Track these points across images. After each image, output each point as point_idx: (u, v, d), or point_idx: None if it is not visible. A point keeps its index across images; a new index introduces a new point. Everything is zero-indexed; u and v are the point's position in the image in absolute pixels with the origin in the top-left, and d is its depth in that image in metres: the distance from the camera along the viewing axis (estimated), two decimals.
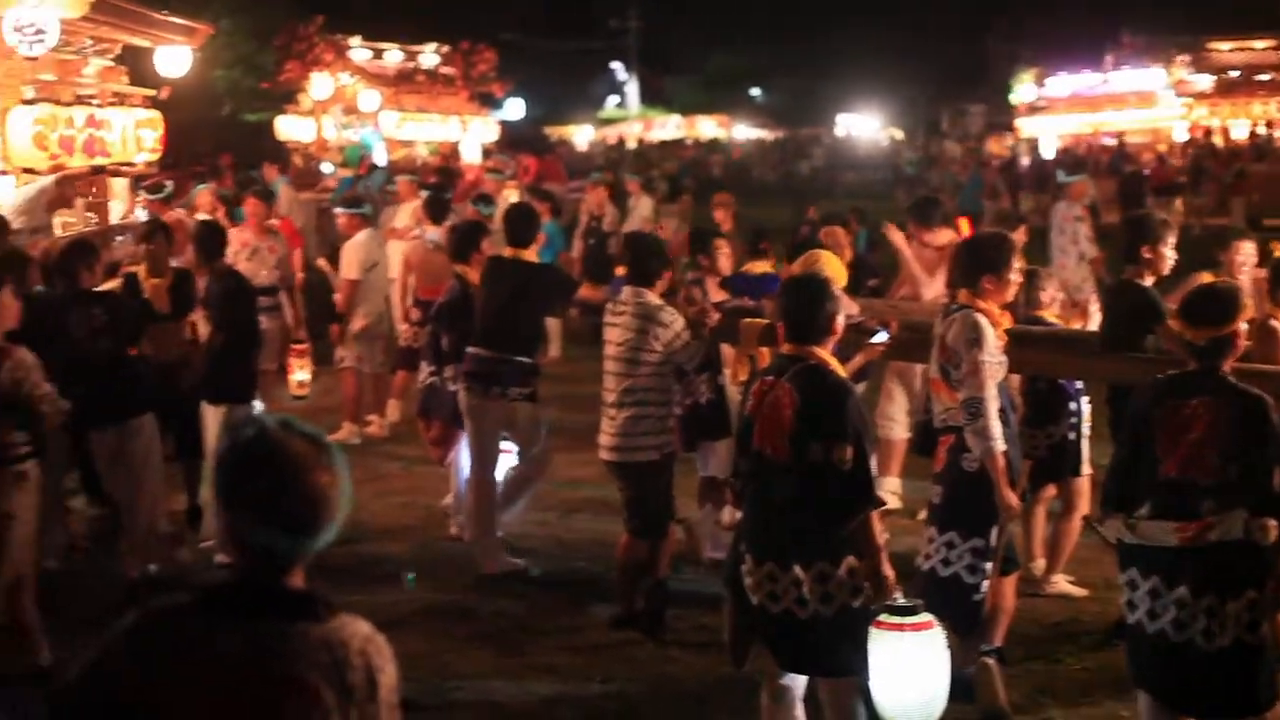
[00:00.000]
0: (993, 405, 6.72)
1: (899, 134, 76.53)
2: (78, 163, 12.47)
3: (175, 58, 14.90)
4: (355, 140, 34.48)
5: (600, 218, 18.71)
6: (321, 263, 14.62)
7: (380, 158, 32.43)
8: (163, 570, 9.38)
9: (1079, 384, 8.61)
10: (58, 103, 12.42)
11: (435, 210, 13.49)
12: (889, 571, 5.91)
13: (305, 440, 3.10)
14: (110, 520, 10.09)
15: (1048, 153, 41.71)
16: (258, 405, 10.14)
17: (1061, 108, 50.24)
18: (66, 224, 12.17)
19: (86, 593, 9.20)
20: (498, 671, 7.86)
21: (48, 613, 8.83)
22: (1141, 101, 46.33)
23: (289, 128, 34.10)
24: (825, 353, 6.07)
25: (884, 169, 56.40)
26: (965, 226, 11.95)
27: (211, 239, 10.19)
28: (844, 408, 5.84)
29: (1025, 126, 51.67)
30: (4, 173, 12.06)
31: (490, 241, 10.14)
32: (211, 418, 9.78)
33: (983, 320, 6.82)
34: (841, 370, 6.18)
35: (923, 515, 9.23)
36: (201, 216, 13.61)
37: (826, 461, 5.79)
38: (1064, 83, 51.03)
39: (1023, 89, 53.78)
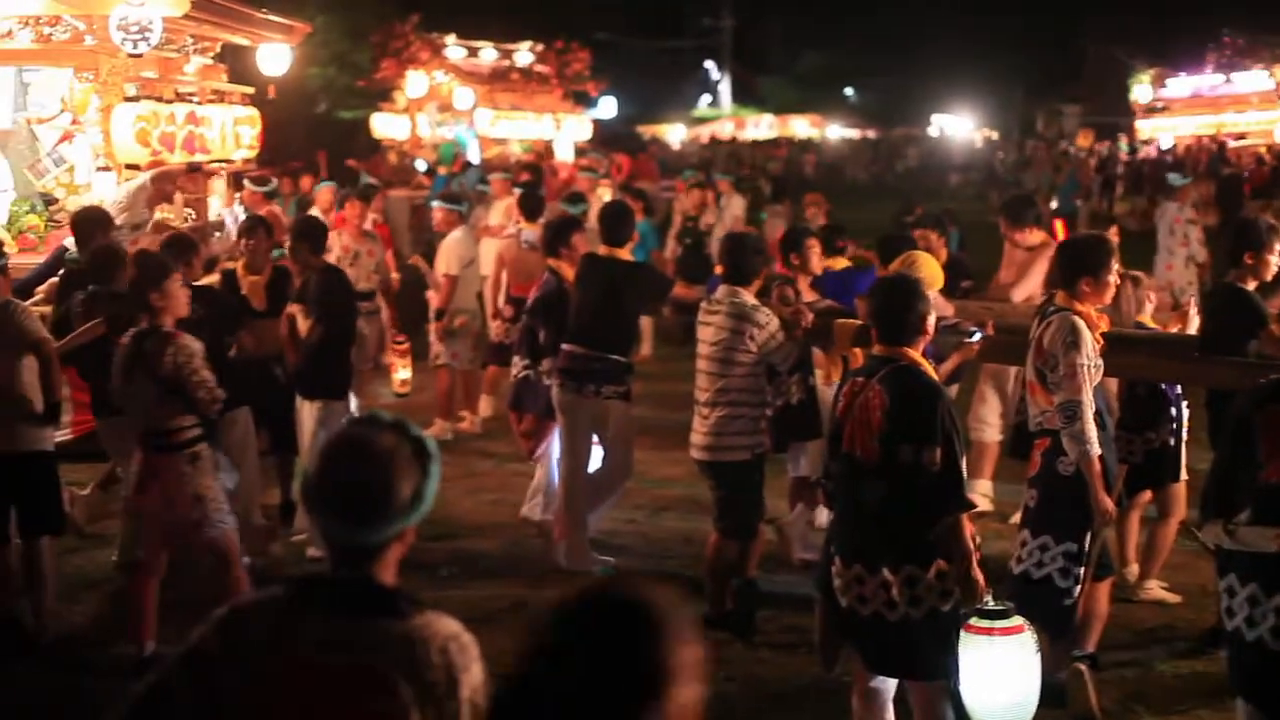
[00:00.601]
0: (1089, 409, 6.66)
1: (993, 134, 75.95)
2: (178, 159, 12.62)
3: (275, 55, 15.04)
4: (449, 138, 34.65)
5: (696, 217, 18.69)
6: (416, 260, 14.69)
7: (474, 155, 32.57)
8: (256, 563, 9.46)
9: (1178, 388, 8.51)
10: (159, 100, 12.59)
11: (530, 207, 13.52)
12: (979, 575, 5.88)
13: (392, 435, 3.15)
14: None
15: (1152, 154, 41.17)
16: (353, 401, 10.21)
17: (1181, 109, 49.39)
18: (165, 220, 12.33)
19: (181, 584, 9.30)
20: None
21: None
22: (1264, 103, 45.49)
23: (384, 125, 34.33)
24: (916, 354, 6.03)
25: (978, 170, 55.99)
26: (1060, 228, 11.85)
27: (316, 234, 10.25)
28: (934, 409, 5.80)
29: (1144, 128, 50.85)
30: (106, 168, 12.24)
31: (584, 239, 10.14)
32: (306, 413, 9.85)
33: (1080, 323, 6.76)
34: (933, 372, 6.14)
35: (1015, 519, 9.17)
36: (314, 212, 13.70)
37: (916, 463, 5.76)
38: (1184, 84, 50.15)
39: (1139, 89, 52.97)
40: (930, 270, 7.89)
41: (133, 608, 7.84)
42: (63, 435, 9.23)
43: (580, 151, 35.27)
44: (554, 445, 9.90)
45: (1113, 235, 9.06)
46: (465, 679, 3.10)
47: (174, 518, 7.70)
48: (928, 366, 6.07)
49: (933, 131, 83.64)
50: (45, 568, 8.19)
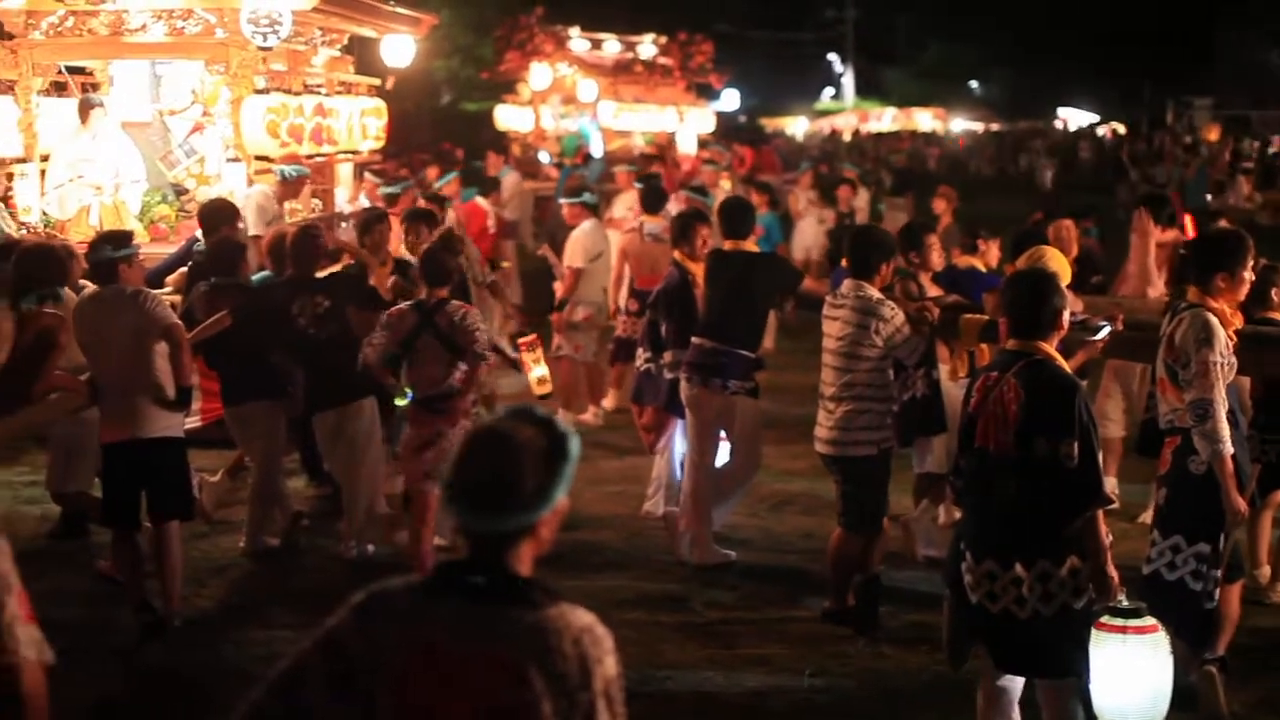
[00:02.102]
0: (1221, 407, 6.55)
1: (1120, 127, 74.98)
2: (306, 150, 12.75)
3: (400, 47, 15.15)
4: (572, 130, 34.75)
5: (851, 214, 18.50)
6: (544, 251, 14.73)
7: (597, 148, 32.66)
8: (379, 551, 9.55)
9: None
10: (288, 92, 12.73)
11: (652, 200, 13.51)
12: (1114, 572, 5.79)
13: (534, 429, 3.19)
14: (330, 500, 10.34)
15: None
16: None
17: None
18: (293, 211, 12.47)
19: (306, 571, 9.41)
20: (709, 662, 7.85)
21: (268, 589, 9.11)
22: None
23: (508, 117, 34.50)
24: (1050, 348, 5.95)
25: (1107, 164, 55.18)
26: (1189, 224, 11.66)
27: (425, 223, 10.31)
28: (1071, 403, 5.72)
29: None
30: (236, 159, 12.40)
31: (710, 232, 10.12)
32: None
33: (1214, 319, 6.65)
34: (1067, 366, 6.06)
35: (1143, 518, 9.06)
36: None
37: (1052, 458, 5.68)
38: None
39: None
40: (1060, 265, 7.80)
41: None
42: (192, 422, 9.35)
43: (703, 144, 35.25)
44: (675, 439, 9.89)
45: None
46: (599, 671, 3.12)
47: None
48: (1062, 361, 5.99)
49: (1058, 124, 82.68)
50: (174, 552, 8.30)
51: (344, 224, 12.51)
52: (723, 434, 9.54)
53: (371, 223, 10.82)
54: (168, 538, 8.28)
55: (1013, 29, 78.68)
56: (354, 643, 3.19)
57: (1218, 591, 6.74)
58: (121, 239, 8.54)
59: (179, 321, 8.44)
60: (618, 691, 3.17)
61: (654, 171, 19.14)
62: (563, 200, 14.21)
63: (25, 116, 12.63)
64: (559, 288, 13.35)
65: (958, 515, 7.56)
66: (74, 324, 8.26)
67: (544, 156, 30.37)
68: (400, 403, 9.14)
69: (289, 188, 12.10)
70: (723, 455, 9.63)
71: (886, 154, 48.17)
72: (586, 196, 13.87)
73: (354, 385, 9.34)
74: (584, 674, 3.10)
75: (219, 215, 10.19)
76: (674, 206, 14.42)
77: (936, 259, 9.53)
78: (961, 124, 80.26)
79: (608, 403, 13.63)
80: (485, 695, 3.09)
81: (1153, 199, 11.04)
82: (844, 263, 8.67)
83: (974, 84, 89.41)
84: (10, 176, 12.49)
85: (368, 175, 14.97)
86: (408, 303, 8.89)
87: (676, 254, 9.92)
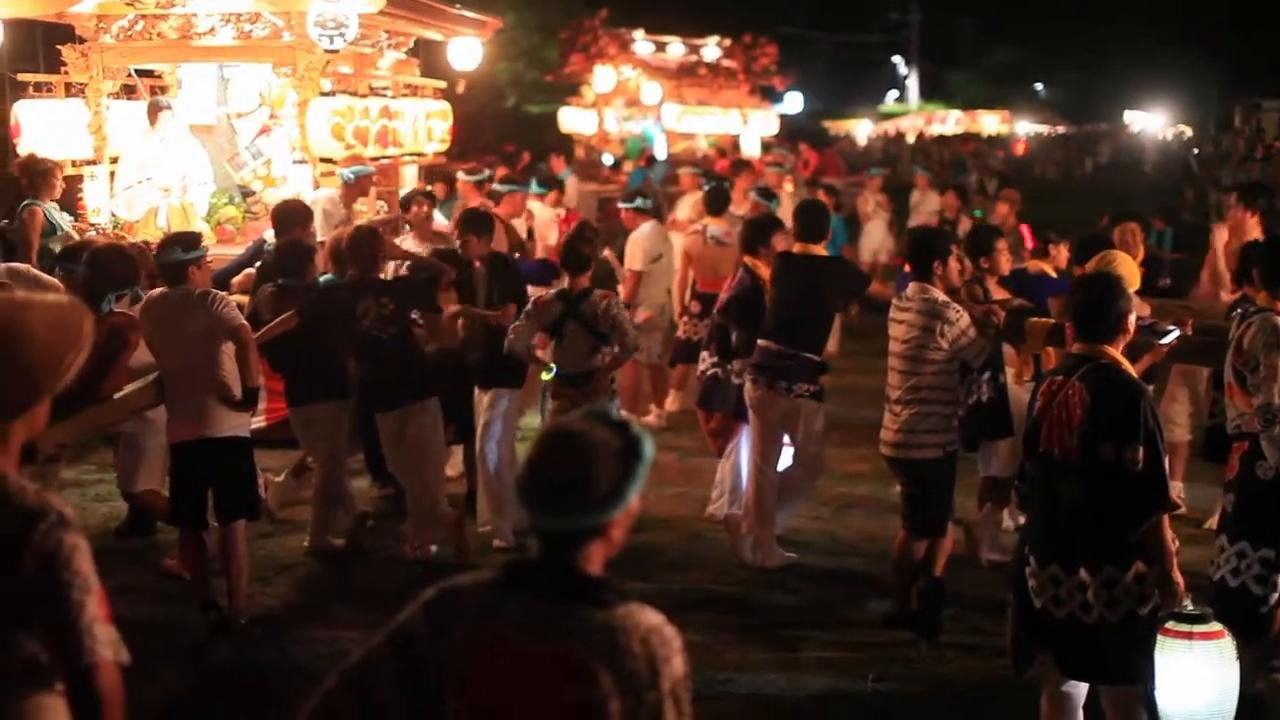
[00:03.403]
0: None
1: (1188, 130, 74.37)
2: (371, 153, 12.81)
3: (467, 50, 15.20)
4: (636, 133, 34.80)
5: (954, 221, 18.35)
6: (606, 254, 14.75)
7: (660, 150, 32.68)
8: (441, 552, 9.59)
9: None
10: (354, 94, 12.79)
11: (716, 203, 13.50)
12: (1179, 577, 5.74)
13: (607, 430, 3.21)
14: (393, 501, 10.39)
15: None
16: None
17: None
18: (358, 213, 12.53)
19: (369, 571, 9.46)
20: (771, 665, 7.84)
21: (332, 588, 9.16)
22: None
23: (572, 120, 34.58)
24: (1117, 352, 5.91)
25: (1173, 167, 54.84)
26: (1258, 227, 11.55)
27: (483, 224, 10.32)
28: (1137, 407, 5.68)
29: None
30: (302, 161, 12.47)
31: (784, 238, 10.10)
32: (482, 402, 9.95)
33: None
34: (1133, 370, 6.02)
35: (1209, 524, 8.98)
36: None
37: (1118, 462, 5.64)
38: None
39: None
40: (1129, 269, 7.73)
41: None
42: (257, 422, 9.42)
43: (767, 146, 35.22)
44: (742, 442, 9.88)
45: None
46: (666, 671, 3.14)
47: None
48: (1128, 365, 5.95)
49: (1125, 127, 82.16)
50: (240, 552, 8.36)
51: (406, 226, 12.53)
52: (786, 437, 9.52)
53: (409, 201, 10.86)
54: (234, 537, 8.35)
55: (1080, 31, 78.25)
56: (424, 638, 3.22)
57: (1275, 595, 6.68)
58: (190, 241, 8.63)
59: (245, 323, 8.50)
60: (685, 692, 3.19)
61: (721, 174, 19.09)
62: (620, 205, 14.25)
63: (95, 119, 12.75)
64: (623, 290, 13.34)
65: (1022, 520, 7.53)
66: (143, 322, 8.35)
67: (608, 159, 30.42)
68: (545, 377, 9.61)
69: (353, 189, 12.15)
70: (786, 458, 9.61)
71: (964, 157, 47.74)
72: (640, 201, 13.89)
73: (417, 386, 9.39)
74: (652, 673, 3.11)
75: (291, 216, 10.24)
76: (739, 209, 14.40)
77: (1005, 263, 9.48)
78: (1027, 126, 79.84)
79: (670, 404, 13.64)
80: (553, 692, 3.11)
81: (1248, 188, 10.94)
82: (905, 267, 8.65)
83: (1039, 86, 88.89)
84: (80, 178, 12.61)
85: (461, 176, 14.98)
86: (552, 291, 9.63)
87: (747, 259, 9.89)
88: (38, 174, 11.94)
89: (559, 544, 3.20)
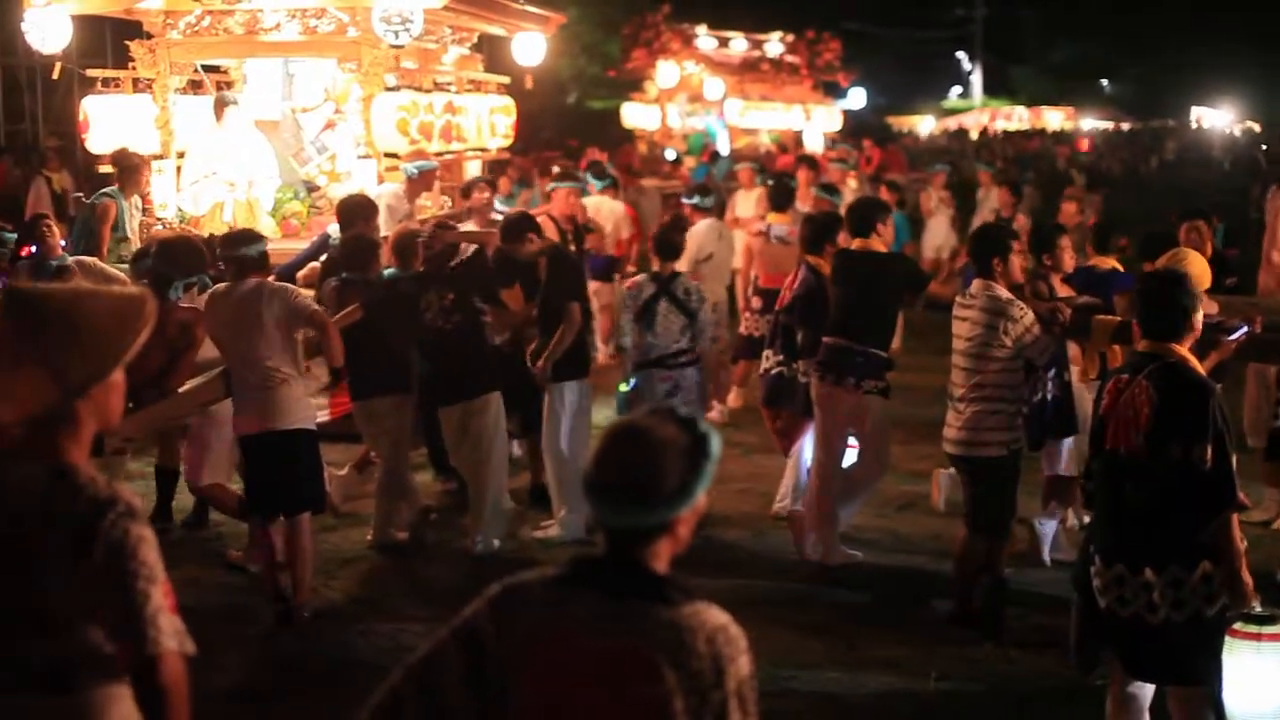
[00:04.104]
0: None
1: (1256, 126, 73.66)
2: (435, 148, 12.85)
3: (531, 45, 15.22)
4: (699, 128, 34.77)
5: (1010, 218, 18.21)
6: None
7: (723, 146, 32.63)
8: (505, 546, 9.61)
9: None
10: (418, 89, 12.83)
11: (779, 199, 13.46)
12: (1248, 577, 5.69)
13: (675, 427, 3.19)
14: (456, 495, 10.42)
15: None
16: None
17: None
18: (422, 208, 12.57)
19: (432, 564, 9.49)
20: (833, 662, 7.82)
21: (395, 582, 9.21)
22: None
23: (635, 115, 34.58)
24: (1184, 350, 5.86)
25: (1241, 163, 54.33)
26: None
27: (527, 222, 10.34)
28: (1205, 405, 5.63)
29: None
30: (367, 156, 12.53)
31: (847, 236, 10.09)
32: (547, 395, 9.96)
33: None
34: (1200, 368, 5.97)
35: (1278, 524, 8.90)
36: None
37: (1185, 461, 5.59)
38: None
39: None
40: (1199, 267, 7.67)
41: None
42: (321, 416, 9.47)
43: (830, 142, 35.13)
44: (807, 440, 9.85)
45: None
46: (732, 670, 3.13)
47: None
48: (1196, 363, 5.90)
49: (1191, 123, 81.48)
50: (306, 544, 8.41)
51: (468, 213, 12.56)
52: (851, 435, 9.49)
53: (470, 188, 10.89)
54: (300, 530, 8.40)
55: (1146, 27, 77.63)
56: (489, 633, 3.22)
57: None
58: (255, 236, 8.70)
59: (319, 307, 8.57)
60: (750, 691, 3.18)
61: (783, 170, 19.07)
62: (683, 200, 14.30)
63: (162, 114, 12.85)
64: None
65: (1086, 518, 7.48)
66: (211, 316, 8.40)
67: (670, 154, 30.41)
68: (623, 389, 10.16)
69: (417, 184, 12.18)
70: (850, 456, 9.58)
71: (1016, 153, 47.47)
72: (698, 198, 13.91)
73: (480, 380, 9.42)
74: (717, 673, 3.10)
75: (357, 211, 10.28)
76: (803, 206, 14.36)
77: (1069, 260, 9.41)
78: (1092, 123, 79.31)
79: (732, 400, 13.61)
80: (618, 689, 3.10)
81: None
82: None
83: (1104, 82, 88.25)
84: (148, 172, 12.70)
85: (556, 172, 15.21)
86: (644, 275, 10.21)
87: (810, 258, 9.87)
88: (127, 168, 12.13)
89: (626, 541, 3.20)
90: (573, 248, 12.46)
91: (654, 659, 3.07)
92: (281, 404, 8.26)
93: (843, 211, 11.67)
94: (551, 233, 12.04)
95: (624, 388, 10.11)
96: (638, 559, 3.19)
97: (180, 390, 8.91)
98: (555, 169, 17.12)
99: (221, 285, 8.54)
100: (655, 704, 3.07)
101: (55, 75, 13.94)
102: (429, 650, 3.29)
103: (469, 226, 11.66)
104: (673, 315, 9.89)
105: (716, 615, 3.17)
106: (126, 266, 10.62)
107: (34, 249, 10.92)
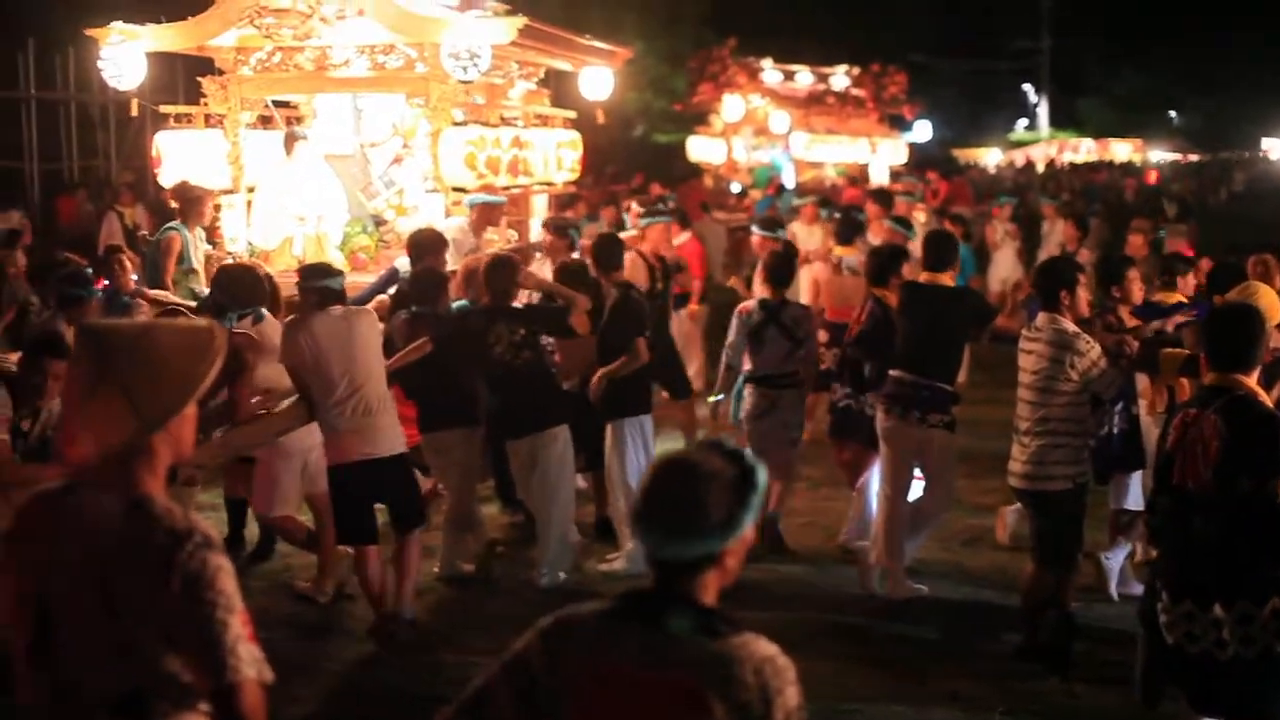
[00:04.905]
0: None
1: None
2: (502, 182, 12.93)
3: (598, 80, 15.29)
4: (765, 162, 34.79)
5: (1074, 251, 18.09)
6: (736, 282, 14.79)
7: (789, 179, 32.63)
8: (571, 578, 9.64)
9: None
10: (485, 124, 12.92)
11: (846, 232, 13.47)
12: None
13: (721, 460, 3.22)
14: (523, 528, 10.46)
15: None
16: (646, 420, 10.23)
17: None
18: (489, 242, 12.64)
19: (498, 597, 9.53)
20: (897, 696, 7.80)
21: (462, 613, 9.25)
22: None
23: (700, 149, 34.64)
24: (1252, 383, 5.84)
25: None
26: None
27: (613, 250, 10.41)
28: (1276, 439, 5.60)
29: None
30: (434, 191, 12.62)
31: (913, 268, 10.11)
32: (609, 430, 10.01)
33: None
34: (1269, 401, 5.94)
35: None
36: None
37: (1257, 495, 5.56)
38: None
39: None
40: (1270, 300, 7.62)
41: None
42: None
43: (895, 175, 35.08)
44: (874, 473, 9.86)
45: None
46: (780, 701, 3.13)
47: None
48: (1265, 396, 5.87)
49: (1261, 155, 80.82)
50: (416, 556, 8.84)
51: (538, 254, 12.62)
52: (917, 469, 9.49)
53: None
54: (411, 544, 8.75)
55: (1212, 57, 77.10)
56: (540, 666, 3.26)
57: None
58: (335, 270, 8.89)
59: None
60: None
61: (850, 203, 19.09)
62: (754, 229, 14.30)
63: (233, 149, 12.99)
64: None
65: (1153, 553, 7.44)
66: (298, 345, 8.42)
67: (735, 188, 30.46)
68: (711, 400, 11.00)
69: (482, 217, 12.27)
70: (916, 489, 9.57)
71: (1083, 185, 47.16)
72: (777, 230, 13.94)
73: (548, 413, 9.46)
74: (765, 704, 3.11)
75: (426, 245, 10.35)
76: (874, 238, 14.33)
77: (1137, 292, 9.39)
78: (1159, 154, 78.82)
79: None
80: (665, 718, 3.13)
81: None
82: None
83: (1172, 114, 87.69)
84: (218, 207, 12.85)
85: (635, 207, 15.38)
86: (753, 301, 10.56)
87: (878, 291, 9.90)
88: (188, 200, 12.26)
89: (673, 573, 3.22)
90: (660, 285, 12.56)
91: (701, 691, 3.09)
92: (385, 430, 8.46)
93: (914, 245, 11.72)
94: (641, 269, 12.18)
95: (712, 399, 10.90)
96: (685, 591, 3.21)
97: (257, 418, 8.97)
98: (634, 205, 17.16)
99: (303, 315, 8.58)
100: None
101: (133, 112, 14.11)
102: (481, 684, 3.34)
103: (545, 268, 11.69)
104: (780, 341, 10.25)
105: (764, 646, 3.18)
106: (194, 301, 10.75)
107: (106, 283, 11.06)
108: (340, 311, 8.45)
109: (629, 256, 12.45)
